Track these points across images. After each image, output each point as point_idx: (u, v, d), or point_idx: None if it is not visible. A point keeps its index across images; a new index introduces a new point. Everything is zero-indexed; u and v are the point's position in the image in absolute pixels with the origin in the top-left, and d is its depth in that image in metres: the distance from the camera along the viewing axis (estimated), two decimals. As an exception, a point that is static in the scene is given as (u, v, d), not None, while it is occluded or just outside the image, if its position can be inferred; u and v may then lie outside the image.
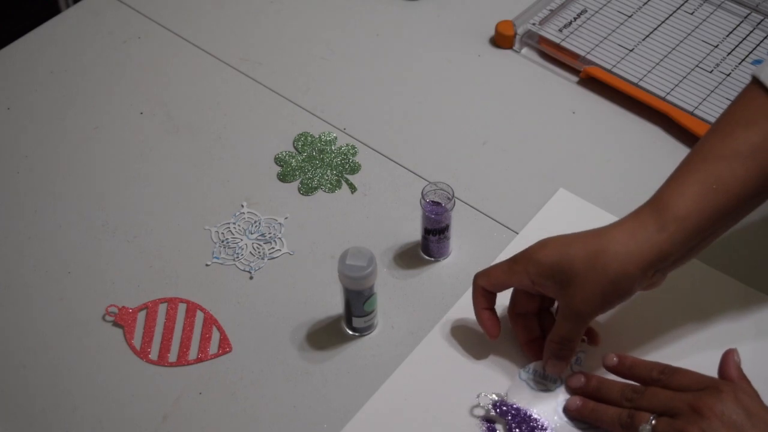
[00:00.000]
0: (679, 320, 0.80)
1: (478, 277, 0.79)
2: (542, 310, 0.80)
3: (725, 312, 0.84)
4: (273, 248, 0.90)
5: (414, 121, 1.01)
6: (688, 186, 0.73)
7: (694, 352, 0.81)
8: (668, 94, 1.01)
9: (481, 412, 0.77)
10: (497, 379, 0.80)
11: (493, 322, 0.80)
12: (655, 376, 0.74)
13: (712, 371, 0.74)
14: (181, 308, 0.85)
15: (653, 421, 0.70)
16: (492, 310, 0.80)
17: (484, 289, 0.79)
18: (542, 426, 0.76)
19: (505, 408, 0.77)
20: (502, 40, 1.09)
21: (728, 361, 0.73)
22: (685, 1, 1.12)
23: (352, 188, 0.95)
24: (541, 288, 0.75)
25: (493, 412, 0.76)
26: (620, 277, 0.72)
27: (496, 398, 0.77)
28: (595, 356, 0.79)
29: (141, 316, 0.85)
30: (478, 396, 0.77)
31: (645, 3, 1.11)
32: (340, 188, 0.95)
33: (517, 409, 0.77)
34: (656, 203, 0.73)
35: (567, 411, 0.76)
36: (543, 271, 0.74)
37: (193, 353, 0.82)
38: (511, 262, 0.77)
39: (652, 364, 0.76)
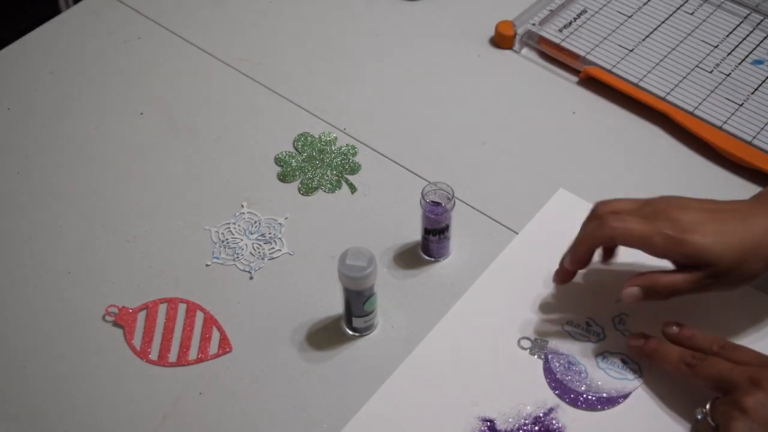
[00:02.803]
0: (679, 320, 0.80)
1: (613, 227, 0.76)
2: None
3: (725, 312, 0.84)
4: (273, 248, 0.90)
5: (414, 121, 1.01)
6: None
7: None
8: (668, 94, 1.01)
9: (528, 343, 0.82)
10: (497, 379, 0.80)
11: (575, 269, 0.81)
12: (715, 349, 0.75)
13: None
14: (181, 308, 0.85)
15: (708, 406, 0.72)
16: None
17: (612, 238, 0.77)
18: (579, 365, 0.80)
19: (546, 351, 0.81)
20: (502, 40, 1.09)
21: None
22: (685, 2, 1.12)
23: (352, 188, 0.95)
24: (674, 262, 0.76)
25: (534, 352, 0.81)
26: (758, 275, 0.75)
27: (536, 339, 0.82)
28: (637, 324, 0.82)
29: (141, 317, 0.85)
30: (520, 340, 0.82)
31: (645, 3, 1.11)
32: (340, 188, 0.95)
33: (557, 352, 0.81)
34: None
35: (630, 347, 0.79)
36: (689, 255, 0.74)
37: (193, 353, 0.82)
38: (654, 231, 0.75)
39: (712, 338, 0.77)
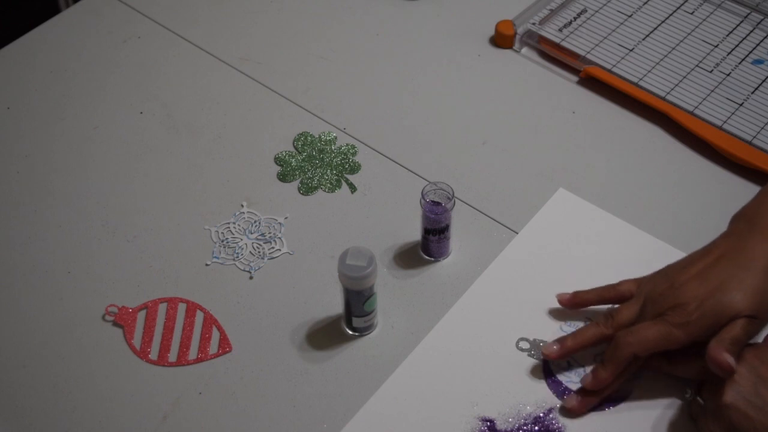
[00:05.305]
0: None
1: (629, 342, 0.75)
2: None
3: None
4: (273, 248, 0.90)
5: (414, 121, 1.01)
6: None
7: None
8: (668, 93, 1.01)
9: (527, 344, 0.82)
10: (497, 379, 0.80)
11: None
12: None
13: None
14: (181, 308, 0.85)
15: (689, 391, 0.75)
16: None
17: (633, 354, 0.76)
18: (578, 366, 0.81)
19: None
20: (502, 39, 1.09)
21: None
22: (685, 1, 1.12)
23: (352, 188, 0.95)
24: (706, 338, 0.74)
25: (533, 352, 0.81)
26: None
27: (534, 340, 0.82)
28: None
29: (141, 316, 0.85)
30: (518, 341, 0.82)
31: (645, 3, 1.11)
32: (340, 188, 0.95)
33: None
34: None
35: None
36: (712, 324, 0.74)
37: (193, 353, 0.82)
38: (668, 327, 0.74)
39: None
